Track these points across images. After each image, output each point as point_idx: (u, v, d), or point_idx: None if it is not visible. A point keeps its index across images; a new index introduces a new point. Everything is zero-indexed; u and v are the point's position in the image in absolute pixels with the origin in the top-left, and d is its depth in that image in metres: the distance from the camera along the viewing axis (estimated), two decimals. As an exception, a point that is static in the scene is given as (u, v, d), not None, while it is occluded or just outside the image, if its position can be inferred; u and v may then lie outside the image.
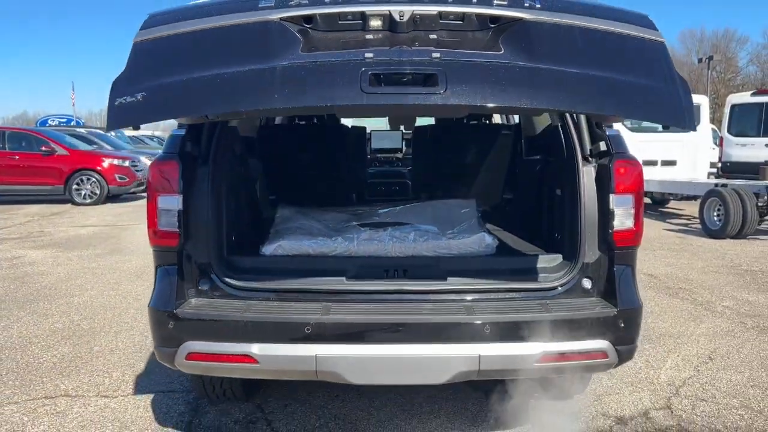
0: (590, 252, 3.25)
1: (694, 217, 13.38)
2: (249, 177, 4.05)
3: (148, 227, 3.28)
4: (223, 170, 3.40)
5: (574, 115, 3.43)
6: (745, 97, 19.16)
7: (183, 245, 3.20)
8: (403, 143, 7.03)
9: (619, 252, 3.24)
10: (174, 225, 3.18)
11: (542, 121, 4.62)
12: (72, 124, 40.34)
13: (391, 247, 3.43)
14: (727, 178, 14.53)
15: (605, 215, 3.22)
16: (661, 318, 6.17)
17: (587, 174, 3.31)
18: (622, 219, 3.22)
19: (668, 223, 13.72)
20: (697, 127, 15.19)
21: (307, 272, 3.26)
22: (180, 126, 3.38)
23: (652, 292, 7.21)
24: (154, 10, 2.90)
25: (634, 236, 3.27)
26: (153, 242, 3.27)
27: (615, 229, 3.20)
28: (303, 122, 5.02)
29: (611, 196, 3.21)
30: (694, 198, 13.32)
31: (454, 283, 3.20)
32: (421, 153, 5.44)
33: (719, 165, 18.62)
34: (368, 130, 7.36)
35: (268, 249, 3.44)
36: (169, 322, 3.05)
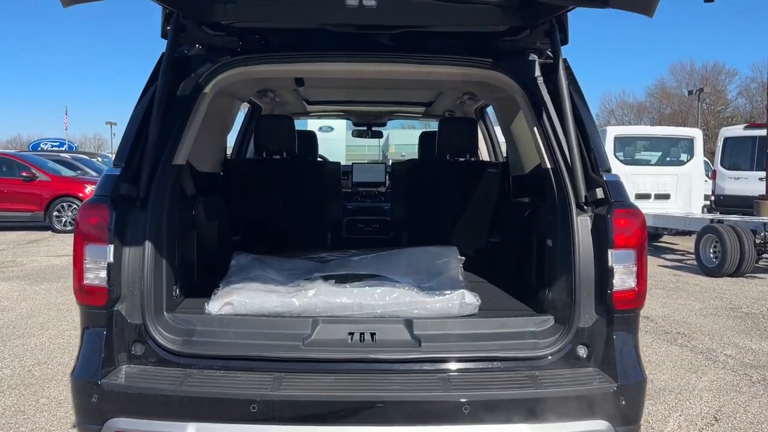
0: (586, 315, 2.84)
1: (689, 252, 13.02)
2: (203, 219, 3.62)
3: (74, 282, 2.85)
4: (167, 214, 3.00)
5: (567, 157, 3.04)
6: (737, 130, 19.03)
7: (113, 304, 2.78)
8: (386, 177, 6.63)
9: (619, 316, 2.84)
10: (103, 280, 2.76)
11: (532, 159, 4.22)
12: (64, 148, 40.13)
13: (357, 306, 2.99)
14: (720, 212, 14.26)
15: (603, 273, 2.82)
16: (660, 369, 5.74)
17: (582, 225, 2.91)
18: (623, 278, 2.82)
19: (662, 258, 13.34)
20: (692, 161, 15.05)
21: (259, 335, 2.83)
22: (116, 164, 2.97)
23: (649, 337, 6.78)
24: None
25: (636, 297, 2.87)
26: (79, 299, 2.86)
27: (615, 289, 2.81)
28: (276, 157, 4.62)
29: (610, 252, 2.81)
30: (689, 233, 12.97)
31: (429, 349, 2.77)
32: (401, 190, 5.04)
33: (712, 198, 18.39)
34: (350, 163, 6.99)
35: (215, 306, 3.00)
36: (92, 395, 2.63)
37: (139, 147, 3.02)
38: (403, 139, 35.28)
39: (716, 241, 10.87)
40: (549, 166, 3.14)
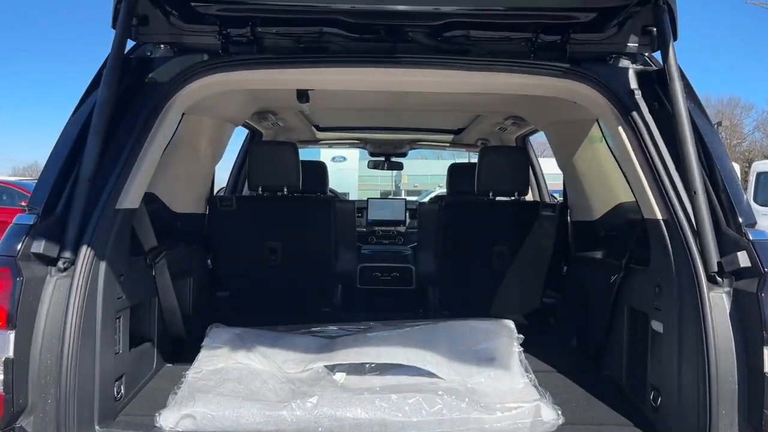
0: None
1: None
2: (167, 281, 2.67)
3: None
4: (105, 280, 2.06)
5: (686, 204, 2.08)
6: (771, 165, 17.93)
7: (14, 419, 1.85)
8: (407, 215, 5.63)
9: None
10: None
11: (605, 202, 3.24)
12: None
13: (380, 425, 1.99)
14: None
15: (755, 382, 1.86)
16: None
17: (716, 306, 1.95)
18: None
19: None
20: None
21: None
22: (31, 209, 2.03)
23: None
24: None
25: None
26: None
27: None
28: (276, 193, 3.69)
29: (766, 351, 1.81)
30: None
31: None
32: (431, 235, 4.07)
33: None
34: (365, 199, 6.02)
35: (169, 420, 2.02)
36: None
37: (68, 184, 2.09)
38: (416, 169, 34.37)
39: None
40: (660, 216, 2.17)
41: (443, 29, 2.35)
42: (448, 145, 6.13)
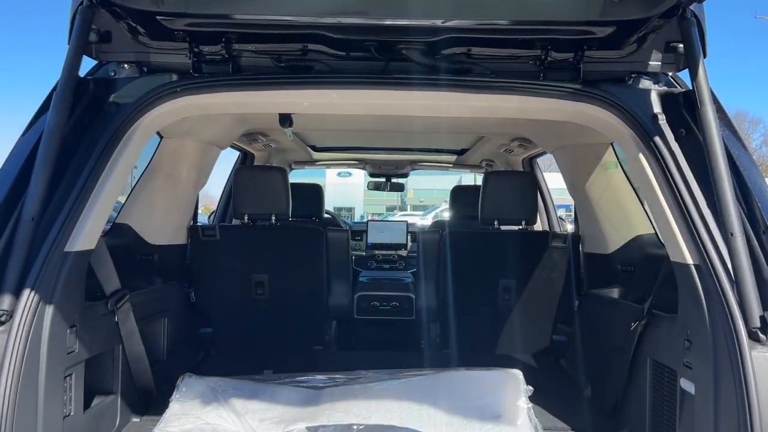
0: None
1: None
2: (132, 326, 2.39)
3: None
4: (58, 329, 1.81)
5: (720, 243, 1.79)
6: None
7: None
8: (408, 237, 5.35)
9: None
10: None
11: (620, 230, 2.96)
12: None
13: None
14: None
15: None
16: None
17: (760, 367, 1.64)
18: None
19: None
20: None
21: None
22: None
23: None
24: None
25: None
26: None
27: None
28: (264, 221, 3.43)
29: None
30: None
31: None
32: (431, 266, 3.79)
33: None
34: (364, 221, 5.74)
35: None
36: None
37: (8, 225, 1.82)
38: (422, 183, 34.15)
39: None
40: (690, 261, 1.88)
41: (441, 46, 2.08)
42: (451, 166, 5.86)
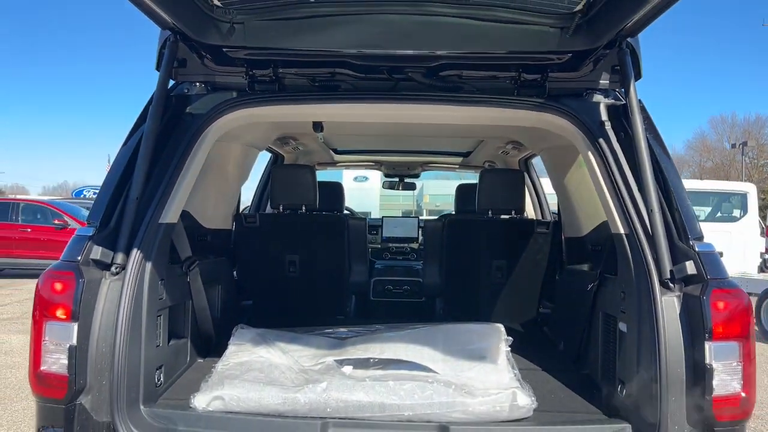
0: (675, 426, 2.16)
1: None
2: (200, 286, 3.05)
3: (29, 367, 2.30)
4: (150, 282, 2.45)
5: (646, 220, 2.41)
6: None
7: (75, 396, 2.22)
8: (419, 231, 6.01)
9: (721, 430, 2.15)
10: (63, 367, 2.22)
11: (591, 219, 3.57)
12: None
13: (379, 407, 2.35)
14: (773, 272, 13.20)
15: (699, 373, 2.18)
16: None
17: (668, 308, 2.27)
18: (725, 379, 2.20)
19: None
20: (745, 217, 14.11)
21: None
22: (90, 223, 2.44)
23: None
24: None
25: (741, 404, 2.19)
26: (34, 390, 2.30)
27: (714, 394, 2.14)
28: (295, 211, 4.09)
29: (707, 345, 2.17)
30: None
31: None
32: (435, 250, 4.43)
33: (766, 257, 17.28)
34: (379, 217, 6.40)
35: (202, 401, 2.40)
36: None
37: (119, 201, 2.50)
38: (438, 189, 34.64)
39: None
40: (622, 231, 2.50)
41: (438, 69, 2.73)
42: (457, 166, 6.49)
